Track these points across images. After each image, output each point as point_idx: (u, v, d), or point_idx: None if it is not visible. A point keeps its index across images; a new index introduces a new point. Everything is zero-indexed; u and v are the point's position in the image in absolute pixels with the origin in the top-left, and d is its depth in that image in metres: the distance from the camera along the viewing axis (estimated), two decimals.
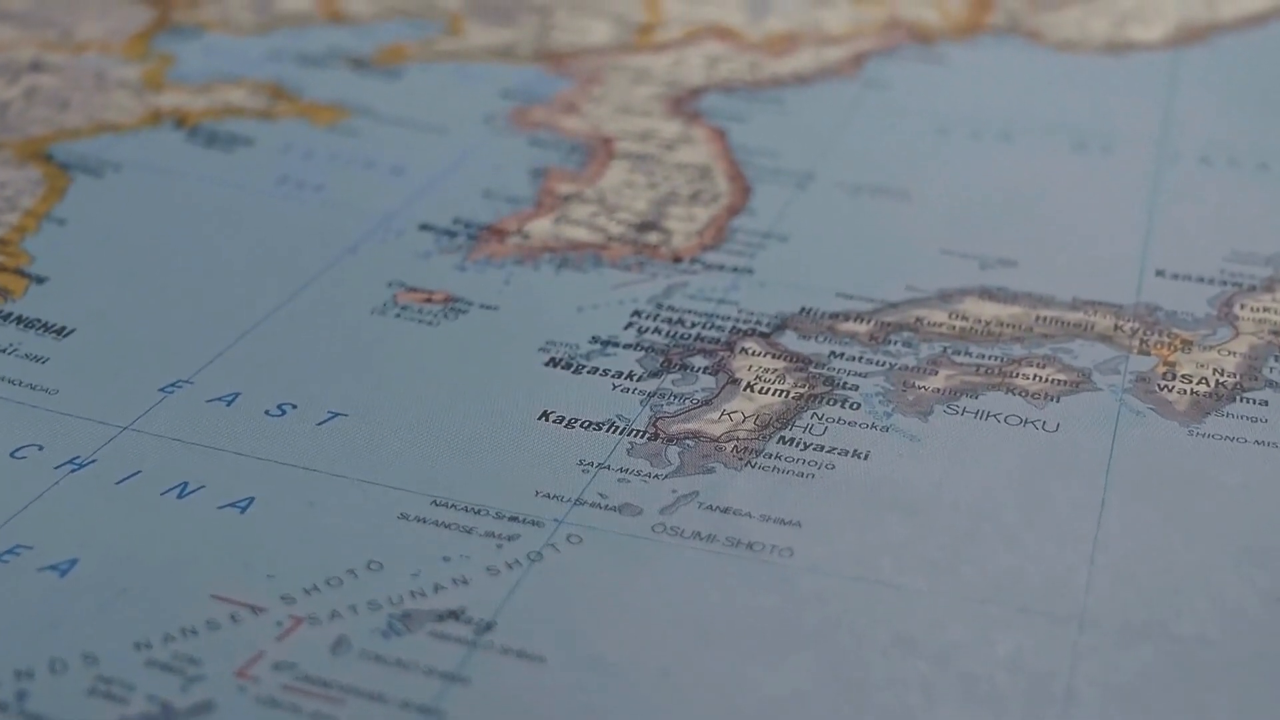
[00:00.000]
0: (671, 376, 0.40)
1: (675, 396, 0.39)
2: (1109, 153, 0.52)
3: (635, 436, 0.38)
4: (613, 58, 0.59)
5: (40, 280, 0.44)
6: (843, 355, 0.41)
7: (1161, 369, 0.41)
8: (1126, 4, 0.65)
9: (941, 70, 0.59)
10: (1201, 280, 0.45)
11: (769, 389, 0.40)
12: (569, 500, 0.36)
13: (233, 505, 0.35)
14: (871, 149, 0.53)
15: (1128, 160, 0.52)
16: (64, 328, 0.42)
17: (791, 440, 0.38)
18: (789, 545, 0.34)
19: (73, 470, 0.36)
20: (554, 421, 0.38)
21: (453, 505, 0.35)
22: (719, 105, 0.55)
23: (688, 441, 0.38)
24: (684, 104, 0.55)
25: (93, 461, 0.37)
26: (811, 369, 0.41)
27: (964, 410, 0.39)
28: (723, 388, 0.40)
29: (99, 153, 0.51)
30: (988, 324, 0.42)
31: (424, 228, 0.47)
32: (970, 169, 0.51)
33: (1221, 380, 0.40)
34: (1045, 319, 0.43)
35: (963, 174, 0.51)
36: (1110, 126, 0.54)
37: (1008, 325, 0.42)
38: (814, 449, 0.37)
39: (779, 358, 0.41)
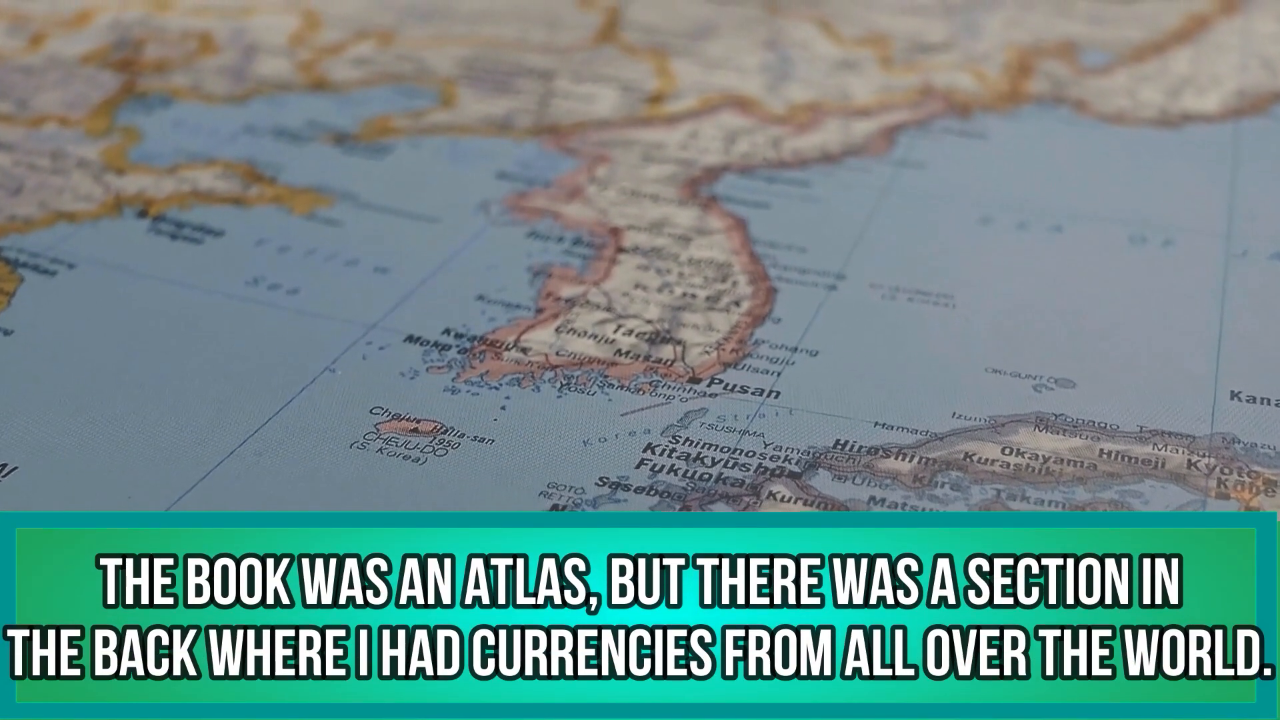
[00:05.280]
0: None
1: None
2: (1170, 246, 0.47)
3: None
4: (620, 131, 0.54)
5: None
6: (884, 501, 0.36)
7: None
8: (1179, 69, 0.60)
9: (981, 146, 0.54)
10: None
11: None
12: None
13: None
14: (908, 243, 0.48)
15: (1191, 256, 0.47)
16: (4, 465, 0.37)
17: None
18: None
19: None
20: None
21: None
22: (738, 188, 0.50)
23: None
24: (699, 186, 0.50)
25: None
26: None
27: None
28: None
29: (52, 248, 0.46)
30: (1046, 460, 0.38)
31: (410, 340, 0.42)
32: (1018, 267, 0.46)
33: None
34: (1110, 454, 0.38)
35: (1009, 273, 0.46)
36: (1170, 215, 0.49)
37: (1068, 462, 0.38)
38: None
39: (812, 504, 0.36)
